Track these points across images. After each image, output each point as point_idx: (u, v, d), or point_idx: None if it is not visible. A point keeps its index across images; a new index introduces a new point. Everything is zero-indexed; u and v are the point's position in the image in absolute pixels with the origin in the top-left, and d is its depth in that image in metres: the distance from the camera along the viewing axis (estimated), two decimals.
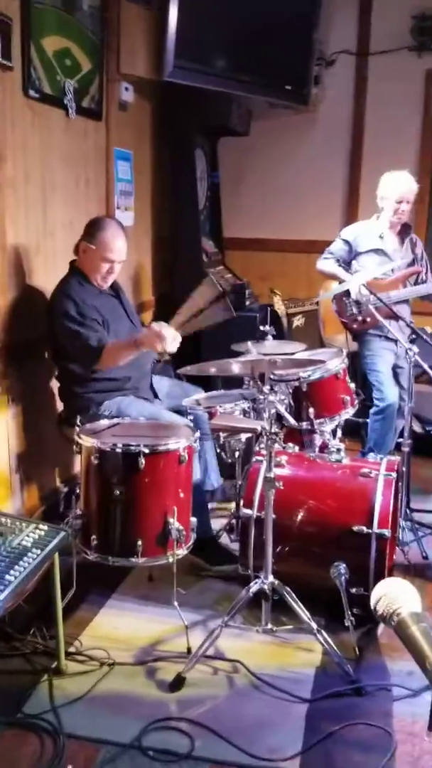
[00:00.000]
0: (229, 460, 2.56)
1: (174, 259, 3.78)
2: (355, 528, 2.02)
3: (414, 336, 2.84)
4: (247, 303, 3.62)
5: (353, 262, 3.12)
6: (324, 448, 2.54)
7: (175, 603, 2.00)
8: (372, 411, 3.01)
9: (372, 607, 1.75)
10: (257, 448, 2.32)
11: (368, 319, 3.04)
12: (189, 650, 1.92)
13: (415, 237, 3.18)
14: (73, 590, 2.05)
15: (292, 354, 2.62)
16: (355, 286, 2.87)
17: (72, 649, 1.93)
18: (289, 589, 1.95)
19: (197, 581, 2.31)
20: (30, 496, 2.60)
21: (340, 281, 3.04)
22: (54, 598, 1.82)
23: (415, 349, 2.50)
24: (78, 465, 2.26)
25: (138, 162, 3.45)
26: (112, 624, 2.09)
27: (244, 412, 2.63)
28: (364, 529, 2.02)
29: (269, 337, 2.75)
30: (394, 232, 3.10)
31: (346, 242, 3.13)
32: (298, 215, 4.06)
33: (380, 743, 1.61)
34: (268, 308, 3.49)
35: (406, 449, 2.54)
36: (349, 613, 1.96)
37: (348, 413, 2.67)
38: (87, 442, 2.07)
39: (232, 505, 2.68)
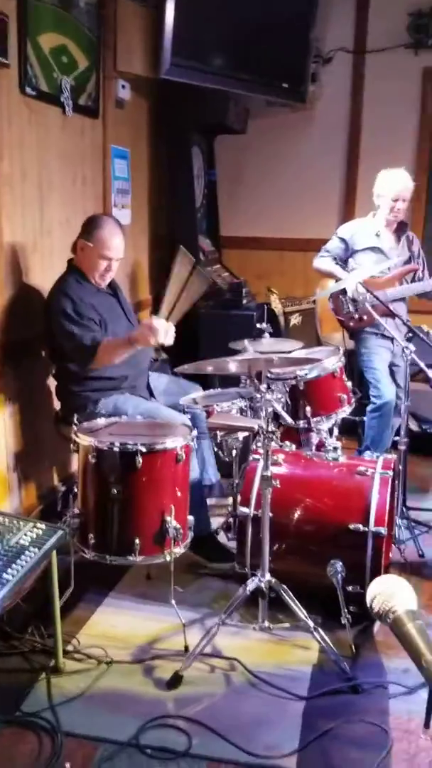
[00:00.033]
0: (227, 459, 2.57)
1: (171, 257, 3.77)
2: (352, 526, 2.03)
3: (411, 334, 2.85)
4: (244, 302, 3.62)
5: (350, 259, 3.13)
6: (321, 446, 2.55)
7: (173, 601, 2.01)
8: (369, 408, 3.02)
9: (368, 605, 1.76)
10: (254, 447, 2.32)
11: (365, 317, 3.04)
12: (186, 648, 1.93)
13: (411, 234, 3.18)
14: (71, 589, 2.05)
15: (289, 352, 2.62)
16: (352, 284, 2.87)
17: (70, 648, 1.94)
18: (285, 587, 1.96)
19: (195, 579, 2.31)
20: (27, 495, 2.60)
21: (337, 279, 3.04)
22: (52, 597, 1.82)
23: (412, 347, 2.50)
24: (75, 464, 2.26)
25: (135, 160, 3.44)
26: (110, 622, 2.09)
27: (241, 411, 2.63)
28: (361, 527, 2.02)
29: (266, 335, 2.75)
30: (390, 230, 3.11)
31: (343, 240, 3.14)
32: (295, 213, 4.06)
33: (376, 740, 1.62)
34: (265, 307, 3.50)
35: (402, 447, 2.55)
36: (346, 610, 1.97)
37: (345, 412, 2.68)
38: (84, 440, 2.07)
39: (230, 500, 2.69)
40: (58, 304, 2.33)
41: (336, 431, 2.78)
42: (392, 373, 3.07)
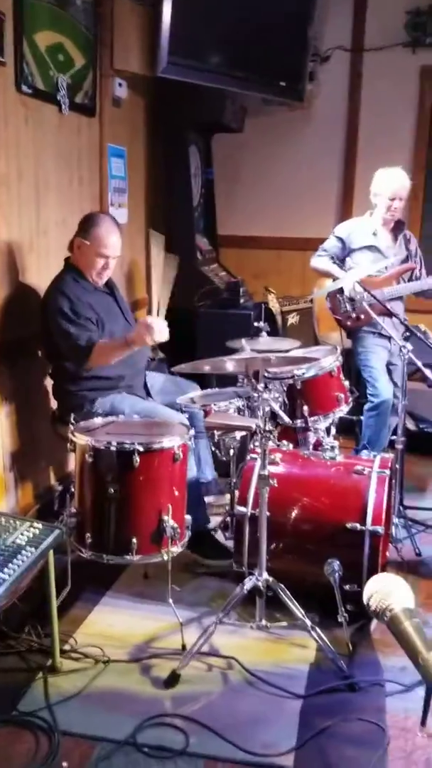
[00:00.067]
0: (224, 458, 2.57)
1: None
2: (349, 525, 2.03)
3: (408, 333, 2.85)
4: (242, 301, 3.62)
5: (347, 258, 3.13)
6: (318, 445, 2.55)
7: (170, 600, 2.01)
8: (366, 407, 3.02)
9: (365, 603, 1.76)
10: (252, 446, 2.32)
11: (362, 316, 3.05)
12: (184, 647, 1.93)
13: (408, 233, 3.18)
14: (68, 588, 2.05)
15: (287, 351, 2.62)
16: (349, 283, 2.87)
17: (67, 647, 1.94)
18: (283, 586, 1.96)
19: (192, 579, 2.31)
20: (24, 495, 2.59)
21: (334, 278, 3.04)
22: (49, 596, 1.82)
23: (409, 346, 2.50)
24: (72, 463, 2.26)
25: (132, 158, 3.44)
26: (107, 621, 2.09)
27: (239, 410, 2.63)
28: (358, 526, 2.03)
29: (263, 334, 2.75)
30: (387, 229, 3.11)
31: (340, 239, 3.14)
32: (293, 212, 4.06)
33: (373, 738, 1.63)
34: (263, 306, 3.49)
35: (399, 446, 2.55)
36: (343, 609, 1.97)
37: (342, 411, 2.68)
38: (81, 440, 2.07)
39: (227, 499, 2.69)
40: (54, 302, 2.33)
41: (333, 430, 2.78)
42: (389, 372, 3.07)
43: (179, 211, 3.71)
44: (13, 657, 1.90)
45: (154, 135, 3.68)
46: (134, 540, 2.00)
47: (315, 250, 3.21)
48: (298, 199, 4.05)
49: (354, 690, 1.80)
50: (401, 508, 2.58)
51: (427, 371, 2.43)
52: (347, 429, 3.24)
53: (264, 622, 1.97)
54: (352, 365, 3.14)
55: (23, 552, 1.68)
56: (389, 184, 2.99)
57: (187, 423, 2.26)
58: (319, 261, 3.17)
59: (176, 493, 2.08)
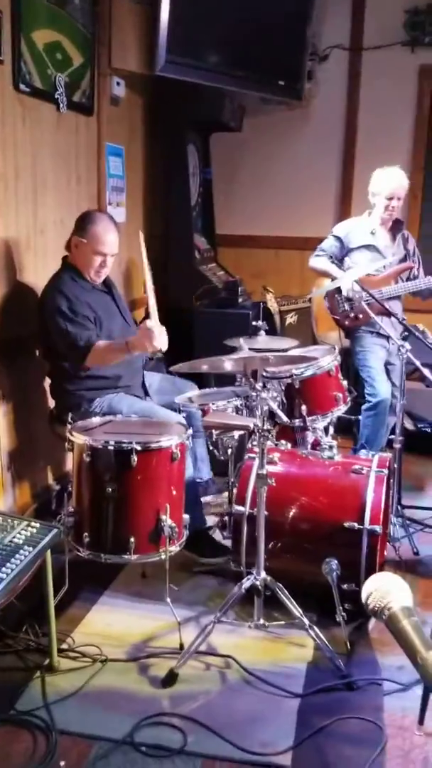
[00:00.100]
0: (222, 458, 2.57)
1: (166, 256, 3.77)
2: (347, 524, 2.03)
3: (406, 333, 2.85)
4: (240, 300, 3.62)
5: (346, 258, 3.13)
6: (316, 445, 2.55)
7: (168, 599, 2.01)
8: (364, 407, 3.02)
9: (363, 601, 1.76)
10: (250, 446, 2.32)
11: (360, 316, 3.05)
12: (181, 646, 1.93)
13: (407, 233, 3.19)
14: (66, 587, 2.05)
15: (285, 351, 2.62)
16: (347, 282, 2.87)
17: (64, 646, 1.94)
18: (281, 585, 1.96)
19: (190, 578, 2.31)
20: (22, 494, 2.59)
21: (333, 278, 3.04)
22: (46, 596, 1.82)
23: (408, 345, 2.51)
24: (70, 463, 2.25)
25: (130, 157, 3.43)
26: (105, 621, 2.09)
27: (237, 410, 2.63)
28: (356, 525, 2.03)
29: (262, 333, 2.75)
30: (385, 228, 3.11)
31: (338, 239, 3.14)
32: (291, 212, 4.06)
33: (371, 737, 1.63)
34: (261, 305, 3.49)
35: (397, 446, 2.55)
36: (341, 608, 1.97)
37: (340, 410, 2.68)
38: (79, 439, 2.07)
39: (225, 498, 2.69)
40: (52, 301, 2.33)
41: (332, 430, 2.78)
42: (388, 372, 3.07)
43: (177, 210, 3.70)
44: (10, 656, 1.90)
45: (152, 134, 3.68)
46: (132, 539, 2.00)
47: (313, 249, 3.21)
48: (297, 198, 4.04)
49: (352, 689, 1.80)
50: (399, 507, 2.58)
51: (425, 371, 2.43)
52: (345, 429, 3.24)
53: (262, 621, 1.97)
54: (350, 365, 3.15)
55: (21, 551, 1.68)
56: (387, 183, 2.99)
57: (185, 423, 2.26)
58: (318, 261, 3.17)
59: (174, 492, 2.08)
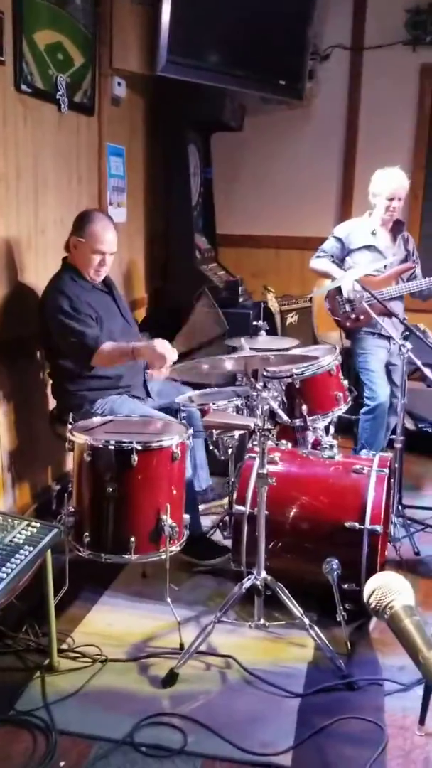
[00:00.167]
0: (222, 457, 2.56)
1: (167, 256, 3.77)
2: (348, 524, 2.03)
3: (407, 333, 2.85)
4: (241, 300, 3.61)
5: (346, 258, 3.13)
6: (317, 444, 2.55)
7: (168, 599, 2.01)
8: (362, 411, 3.02)
9: (365, 600, 1.76)
10: (250, 445, 2.32)
11: (361, 317, 3.04)
12: (182, 646, 1.93)
13: (407, 234, 3.18)
14: (66, 587, 2.05)
15: (286, 350, 2.62)
16: (348, 283, 2.87)
17: (64, 646, 1.94)
18: (281, 584, 1.96)
19: (190, 578, 2.31)
20: (22, 494, 2.59)
21: (333, 279, 3.04)
22: (46, 595, 1.82)
23: (409, 345, 2.50)
24: (70, 463, 2.25)
25: (131, 157, 3.43)
26: (105, 620, 2.09)
27: (237, 409, 2.63)
28: (357, 525, 2.02)
29: (262, 333, 2.75)
30: (386, 229, 3.11)
31: (339, 240, 3.13)
32: (292, 211, 4.06)
33: (372, 737, 1.63)
34: (262, 305, 3.49)
35: (398, 446, 2.55)
36: (341, 608, 1.97)
37: (341, 410, 2.68)
38: (79, 439, 2.07)
39: (225, 501, 2.69)
40: (54, 302, 2.33)
41: (332, 429, 2.78)
42: (389, 372, 3.07)
43: (178, 210, 3.70)
44: (10, 656, 1.90)
45: (153, 134, 3.68)
46: (132, 539, 2.00)
47: (314, 249, 3.21)
48: (298, 197, 4.04)
49: (352, 689, 1.80)
50: (400, 507, 2.58)
51: (426, 370, 2.43)
52: (346, 428, 3.24)
53: (262, 621, 1.97)
54: (351, 365, 3.14)
55: (21, 551, 1.68)
56: (388, 184, 2.99)
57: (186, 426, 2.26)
58: (318, 262, 3.17)
59: (174, 492, 2.07)
